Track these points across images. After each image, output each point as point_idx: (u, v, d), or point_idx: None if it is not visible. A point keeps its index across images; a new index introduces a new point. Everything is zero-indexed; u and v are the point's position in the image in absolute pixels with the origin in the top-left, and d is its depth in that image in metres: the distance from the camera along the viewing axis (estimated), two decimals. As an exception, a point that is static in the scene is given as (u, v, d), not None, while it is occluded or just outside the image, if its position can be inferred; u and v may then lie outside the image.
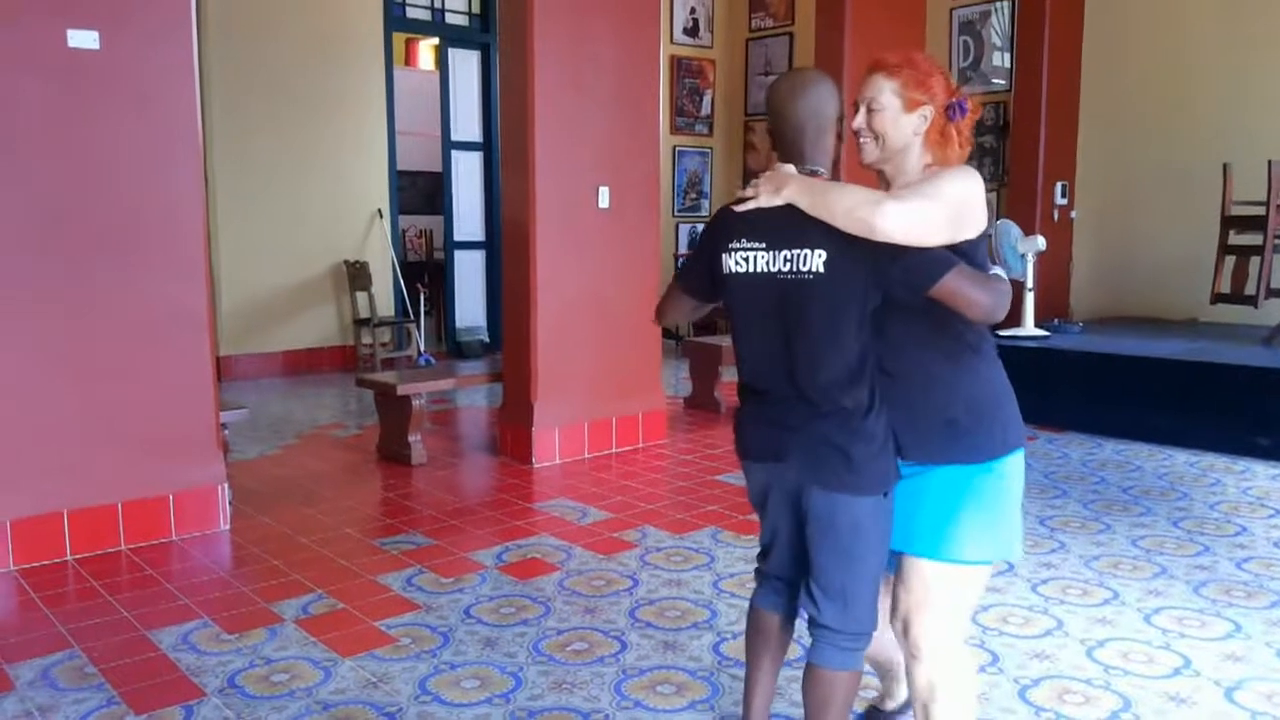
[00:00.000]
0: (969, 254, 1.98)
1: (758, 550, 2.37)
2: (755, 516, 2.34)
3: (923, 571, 2.08)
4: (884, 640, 2.36)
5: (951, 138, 2.06)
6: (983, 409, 2.06)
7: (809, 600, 2.12)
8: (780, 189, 1.98)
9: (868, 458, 1.99)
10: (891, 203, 1.85)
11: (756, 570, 2.35)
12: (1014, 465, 2.09)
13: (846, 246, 1.92)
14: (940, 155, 2.07)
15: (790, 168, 2.05)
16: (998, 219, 7.72)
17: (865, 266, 1.93)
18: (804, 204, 1.94)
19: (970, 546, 2.04)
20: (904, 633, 2.12)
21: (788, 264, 1.99)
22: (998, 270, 2.05)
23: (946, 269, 1.89)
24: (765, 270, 2.02)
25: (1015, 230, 6.59)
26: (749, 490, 2.25)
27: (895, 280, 1.93)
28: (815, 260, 1.95)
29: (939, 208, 1.89)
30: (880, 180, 2.15)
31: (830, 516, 2.04)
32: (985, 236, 2.03)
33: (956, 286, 1.89)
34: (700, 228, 10.18)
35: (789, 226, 1.98)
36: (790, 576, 2.25)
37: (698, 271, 2.23)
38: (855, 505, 2.01)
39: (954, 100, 2.05)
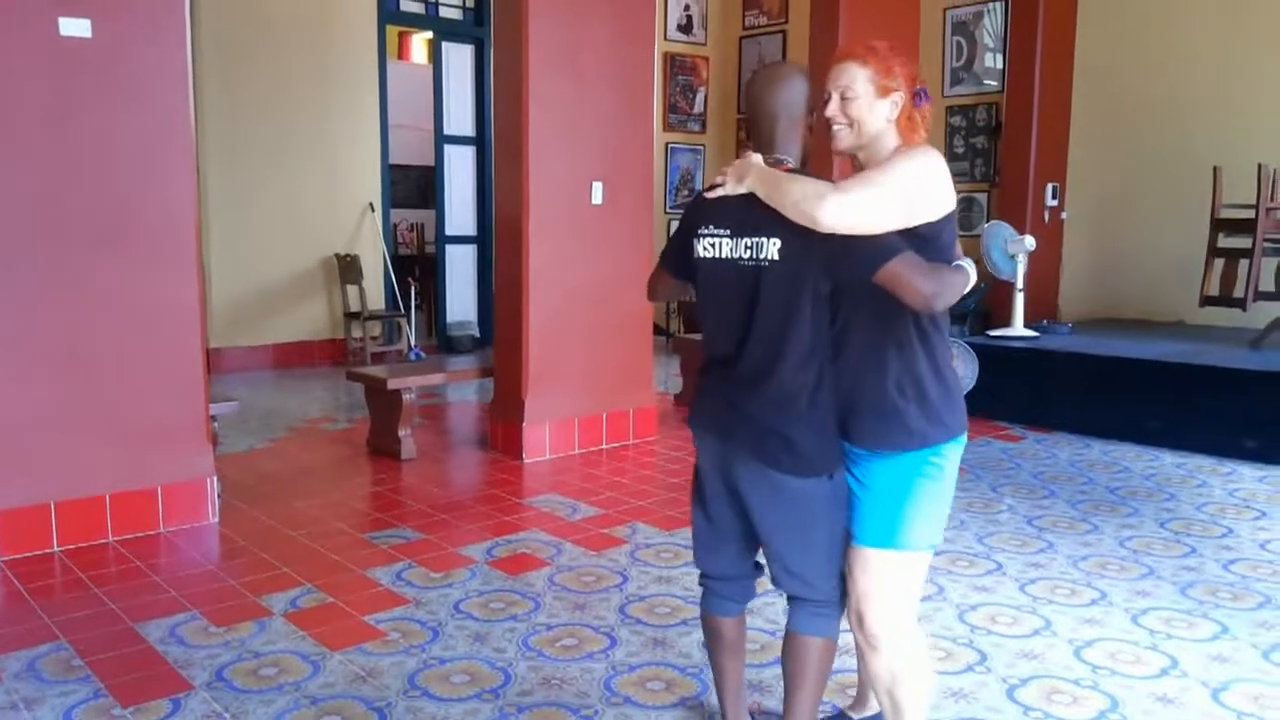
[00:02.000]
0: (932, 237, 2.02)
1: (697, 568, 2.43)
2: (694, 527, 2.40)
3: (871, 560, 2.15)
4: None
5: (917, 123, 2.13)
6: (928, 396, 2.10)
7: (773, 577, 2.25)
8: (743, 178, 2.07)
9: (808, 441, 2.09)
10: (834, 196, 1.91)
11: (700, 577, 2.41)
12: (954, 452, 2.15)
13: (799, 235, 1.99)
14: (908, 140, 2.12)
15: (757, 157, 2.12)
16: (988, 221, 7.75)
17: (817, 254, 2.00)
18: (760, 193, 2.04)
19: (917, 534, 2.12)
20: (859, 624, 2.18)
21: (748, 251, 2.08)
22: (962, 263, 2.09)
23: (889, 257, 1.94)
24: (729, 256, 2.12)
25: (1006, 231, 6.60)
26: (696, 470, 2.32)
27: (842, 267, 2.00)
28: (771, 248, 2.05)
29: (886, 195, 1.94)
30: (854, 166, 2.20)
31: (775, 495, 2.13)
32: (950, 218, 2.06)
33: (897, 272, 1.94)
34: (692, 225, 10.16)
35: (749, 215, 2.07)
36: (732, 574, 2.35)
37: (676, 254, 2.34)
38: (799, 485, 2.11)
39: (919, 88, 2.13)
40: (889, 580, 2.14)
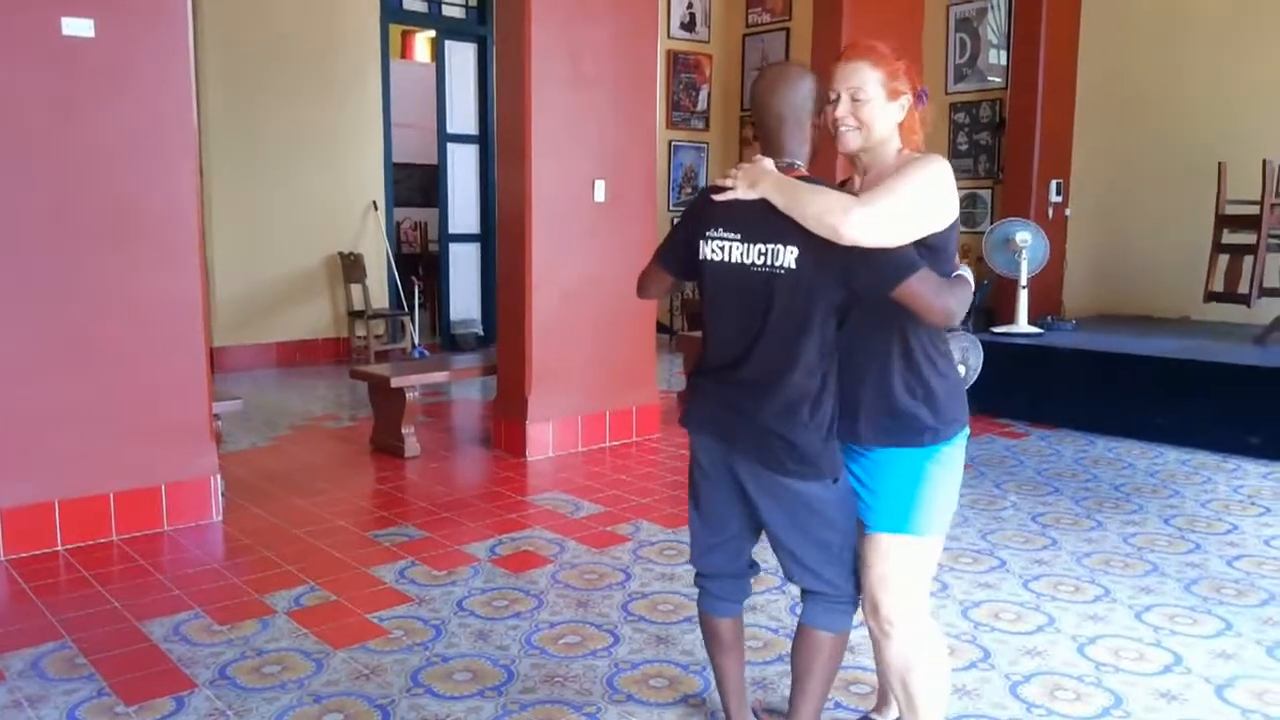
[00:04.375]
0: (940, 246, 2.05)
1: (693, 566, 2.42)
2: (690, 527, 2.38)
3: (887, 546, 2.16)
4: None
5: (917, 125, 2.14)
6: (938, 395, 2.13)
7: (786, 572, 2.26)
8: (756, 184, 2.04)
9: (811, 446, 2.08)
10: (858, 210, 1.90)
11: (696, 577, 2.40)
12: (962, 442, 2.19)
13: (817, 245, 1.98)
14: (909, 141, 2.14)
15: (769, 162, 2.10)
16: (991, 218, 7.74)
17: (834, 265, 1.99)
18: (778, 202, 2.01)
19: (932, 519, 2.14)
20: (874, 611, 2.19)
21: (761, 257, 2.05)
22: (962, 271, 2.11)
23: (909, 273, 1.95)
24: (739, 261, 2.09)
25: (1008, 228, 6.59)
26: (692, 470, 2.30)
27: (861, 280, 1.99)
28: (787, 256, 2.02)
29: (906, 208, 1.94)
30: (855, 166, 2.19)
31: (782, 497, 2.14)
32: (955, 225, 2.08)
33: (918, 291, 1.95)
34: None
35: (763, 221, 2.04)
36: (728, 571, 2.35)
37: (676, 252, 2.30)
38: (804, 488, 2.11)
39: (921, 89, 2.14)
40: (905, 565, 2.15)
